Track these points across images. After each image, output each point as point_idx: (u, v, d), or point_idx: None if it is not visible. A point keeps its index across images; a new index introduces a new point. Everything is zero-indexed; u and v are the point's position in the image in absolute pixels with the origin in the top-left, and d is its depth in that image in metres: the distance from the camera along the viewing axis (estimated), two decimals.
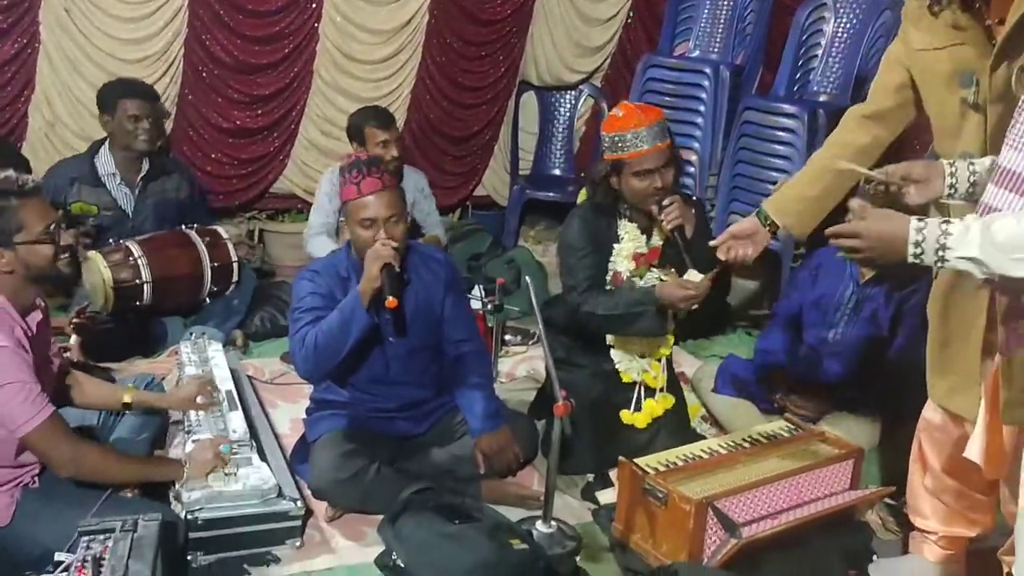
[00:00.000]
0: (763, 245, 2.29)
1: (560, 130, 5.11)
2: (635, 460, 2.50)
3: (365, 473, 2.54)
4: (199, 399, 2.65)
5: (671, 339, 2.94)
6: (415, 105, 4.46)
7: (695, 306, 2.66)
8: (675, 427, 2.93)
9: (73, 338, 2.63)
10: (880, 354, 3.11)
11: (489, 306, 3.42)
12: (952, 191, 1.77)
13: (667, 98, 4.45)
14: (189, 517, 2.28)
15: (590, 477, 2.86)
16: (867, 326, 3.17)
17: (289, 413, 3.20)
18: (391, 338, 2.65)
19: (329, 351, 2.51)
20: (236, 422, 2.61)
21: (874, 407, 3.16)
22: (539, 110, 5.07)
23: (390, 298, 2.43)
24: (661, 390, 2.91)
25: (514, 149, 5.01)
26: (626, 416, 2.88)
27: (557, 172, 5.13)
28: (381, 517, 2.48)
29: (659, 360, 2.89)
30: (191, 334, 3.39)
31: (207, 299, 3.71)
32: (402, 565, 2.27)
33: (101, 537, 1.93)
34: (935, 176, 1.81)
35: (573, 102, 5.08)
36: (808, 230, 2.29)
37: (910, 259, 1.59)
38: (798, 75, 4.37)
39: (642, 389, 2.90)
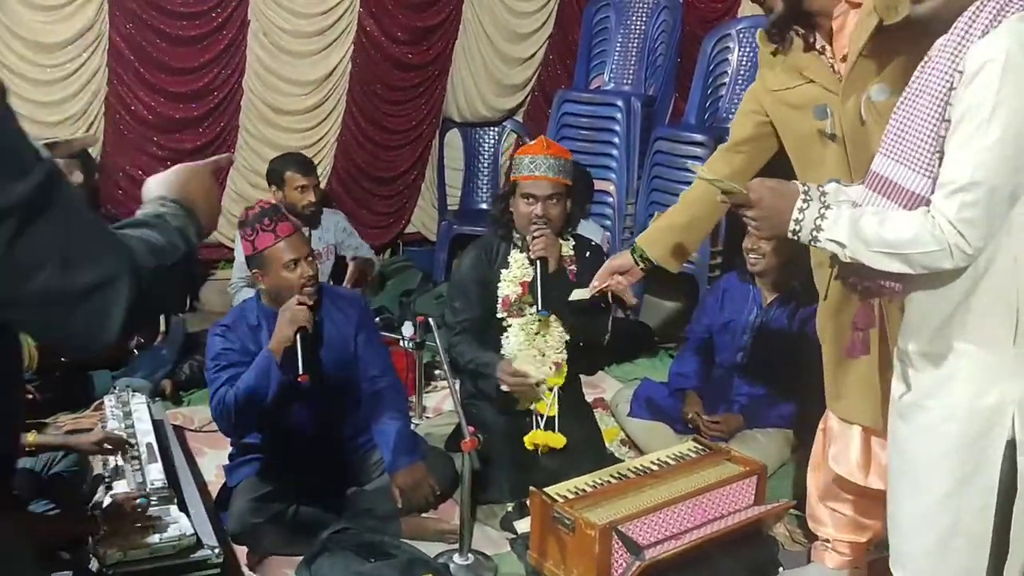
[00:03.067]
0: (637, 278, 2.43)
1: (485, 165, 5.24)
2: (545, 489, 2.59)
3: (283, 515, 2.60)
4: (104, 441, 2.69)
5: (564, 370, 3.01)
6: (341, 151, 4.56)
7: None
8: (590, 452, 3.03)
9: None
10: (786, 372, 3.24)
11: (411, 344, 3.50)
12: (797, 224, 1.74)
13: (583, 131, 4.60)
14: (108, 573, 2.32)
15: (510, 507, 2.95)
16: (772, 347, 3.31)
17: (216, 460, 3.24)
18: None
19: (247, 410, 2.58)
20: (155, 474, 2.65)
21: (784, 423, 3.29)
22: (463, 146, 5.19)
23: (303, 374, 2.50)
24: (552, 418, 3.00)
25: (440, 186, 5.13)
26: (528, 442, 2.98)
27: (484, 206, 5.23)
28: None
29: (551, 389, 2.99)
30: (115, 388, 3.42)
31: (135, 351, 3.75)
32: None
33: None
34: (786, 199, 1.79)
35: (497, 137, 5.21)
36: (676, 262, 2.41)
37: (789, 235, 1.75)
38: (707, 103, 4.54)
39: (537, 417, 3.00)
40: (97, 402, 3.49)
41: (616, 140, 4.54)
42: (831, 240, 1.68)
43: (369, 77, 4.49)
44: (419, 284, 4.70)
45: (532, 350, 2.93)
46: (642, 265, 2.38)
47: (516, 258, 2.95)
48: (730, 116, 4.55)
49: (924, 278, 1.64)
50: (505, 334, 2.95)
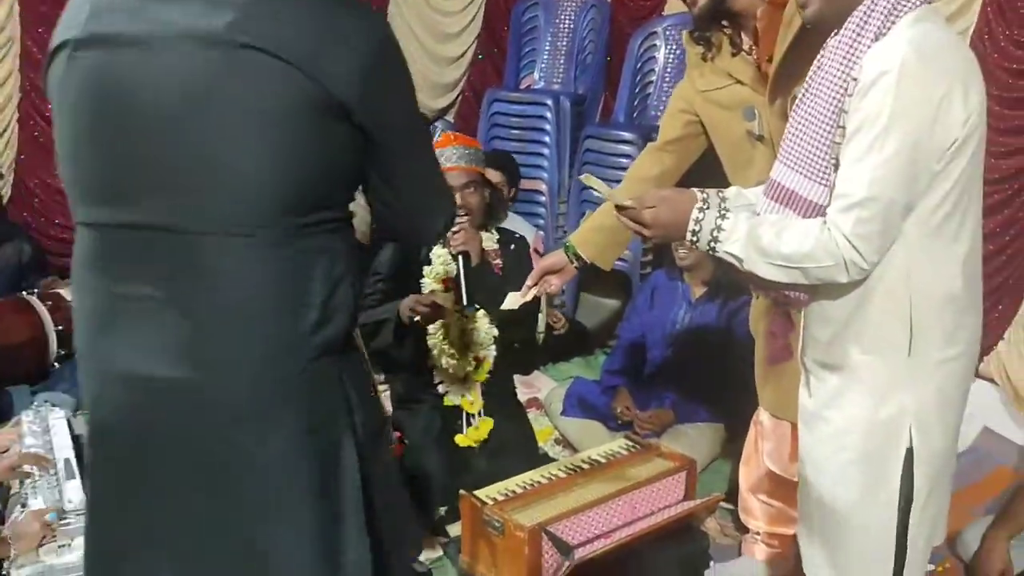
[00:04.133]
0: (569, 277, 2.42)
1: None
2: (475, 492, 2.57)
3: None
4: (24, 467, 2.61)
5: (487, 365, 2.99)
6: None
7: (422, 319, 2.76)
8: (523, 452, 3.02)
9: None
10: (716, 367, 3.28)
11: None
12: (695, 235, 1.70)
13: (513, 131, 4.59)
14: None
15: (443, 511, 2.92)
16: (702, 342, 3.34)
17: None
18: None
19: None
20: (72, 491, 2.57)
21: (716, 418, 3.32)
22: None
23: None
24: (479, 414, 2.99)
25: None
26: (460, 440, 2.95)
27: None
28: None
29: (476, 383, 2.97)
30: (33, 403, 3.32)
31: (55, 364, 3.64)
32: None
33: None
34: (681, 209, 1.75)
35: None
36: (609, 259, 2.41)
37: (687, 243, 1.73)
38: (636, 101, 4.56)
39: (467, 417, 2.98)
40: (15, 419, 3.39)
41: (547, 139, 4.54)
42: (728, 253, 1.65)
43: None
44: None
45: (455, 347, 2.90)
46: (576, 263, 2.37)
47: (438, 254, 2.92)
48: (659, 113, 4.56)
49: (819, 288, 1.63)
50: (429, 331, 2.90)
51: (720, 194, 1.78)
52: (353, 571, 1.42)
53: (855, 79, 1.52)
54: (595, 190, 1.83)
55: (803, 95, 1.64)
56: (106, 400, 1.41)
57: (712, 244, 1.67)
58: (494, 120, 4.63)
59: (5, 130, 3.83)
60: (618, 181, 4.14)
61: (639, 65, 4.54)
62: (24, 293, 3.62)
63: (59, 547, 2.35)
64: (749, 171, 2.18)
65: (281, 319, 1.34)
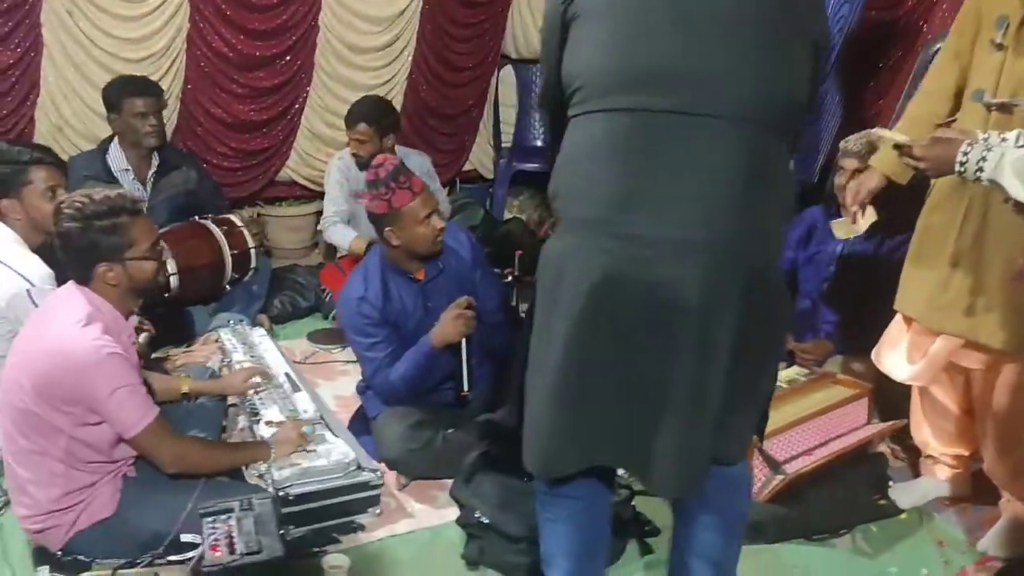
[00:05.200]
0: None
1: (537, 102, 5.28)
2: None
3: (433, 442, 2.72)
4: (255, 380, 2.80)
5: None
6: (411, 89, 4.57)
7: None
8: None
9: (143, 336, 2.75)
10: (873, 301, 3.39)
11: (509, 278, 3.60)
12: (962, 168, 1.95)
13: None
14: (280, 494, 2.43)
15: None
16: (858, 276, 3.45)
17: (331, 390, 3.36)
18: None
19: (410, 392, 2.77)
20: (303, 402, 2.76)
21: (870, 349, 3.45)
22: (516, 83, 5.22)
23: (466, 391, 2.72)
24: None
25: (496, 123, 5.17)
26: None
27: (538, 143, 5.30)
28: (447, 481, 2.70)
29: None
30: (230, 321, 3.49)
31: (228, 286, 3.81)
32: (487, 521, 2.47)
33: (223, 517, 2.08)
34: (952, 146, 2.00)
35: None
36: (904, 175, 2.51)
37: (957, 174, 1.98)
38: None
39: None
40: (204, 336, 3.57)
41: None
42: (991, 180, 1.88)
43: (438, 14, 4.49)
44: (481, 221, 4.78)
45: None
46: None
47: None
48: None
49: None
50: None
51: (984, 136, 1.98)
52: None
53: None
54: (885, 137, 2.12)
55: None
56: (620, 258, 1.63)
57: (978, 173, 1.91)
58: None
59: (174, 61, 3.94)
60: None
61: None
62: (198, 218, 3.75)
63: (308, 452, 2.53)
64: (975, 77, 2.33)
65: (766, 194, 1.67)
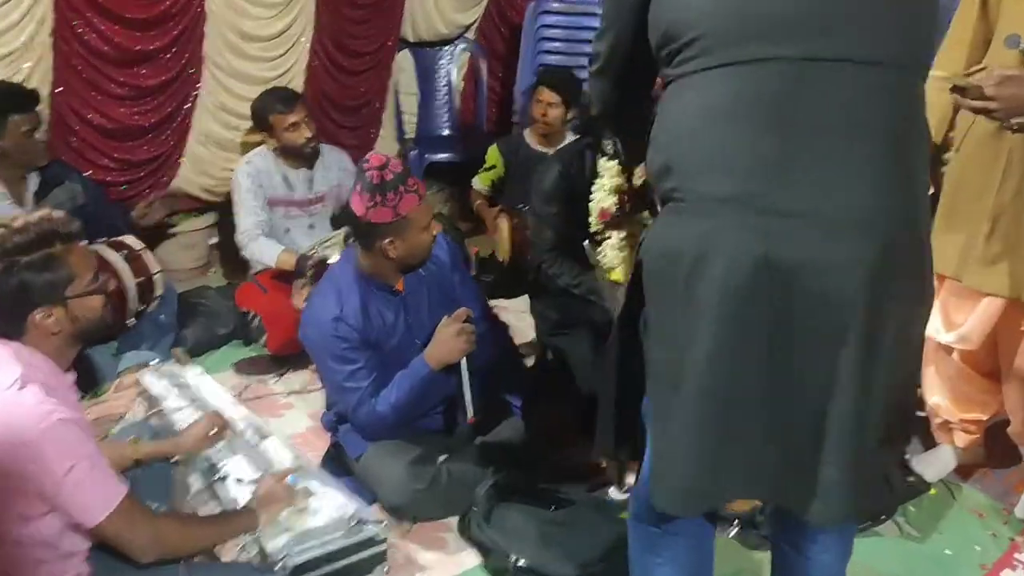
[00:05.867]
0: None
1: (440, 88, 4.91)
2: None
3: (438, 478, 2.36)
4: (218, 432, 2.33)
5: None
6: (310, 80, 4.08)
7: None
8: None
9: None
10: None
11: None
12: None
13: (562, 43, 4.39)
14: (277, 568, 2.01)
15: None
16: None
17: (277, 428, 2.87)
18: (418, 340, 2.46)
19: (403, 421, 2.39)
20: (277, 450, 2.32)
21: None
22: (416, 69, 4.83)
23: (472, 416, 2.35)
24: None
25: (398, 113, 4.76)
26: None
27: (445, 132, 4.94)
28: (451, 520, 2.38)
29: None
30: (149, 362, 2.96)
31: (131, 320, 3.25)
32: (525, 565, 2.13)
33: None
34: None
35: (450, 58, 4.88)
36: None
37: None
38: None
39: None
40: (115, 382, 3.02)
41: None
42: None
43: None
44: None
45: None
46: None
47: (607, 166, 2.76)
48: None
49: None
50: (601, 248, 2.75)
51: None
52: None
53: None
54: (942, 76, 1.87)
55: None
56: (774, 238, 1.34)
57: None
58: (541, 33, 4.40)
59: (39, 60, 3.28)
60: None
61: None
62: (89, 244, 3.15)
63: (299, 511, 2.11)
64: (1007, 24, 2.16)
65: (917, 149, 1.43)
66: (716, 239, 1.37)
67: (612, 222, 2.74)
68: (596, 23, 4.34)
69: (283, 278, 3.39)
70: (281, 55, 3.92)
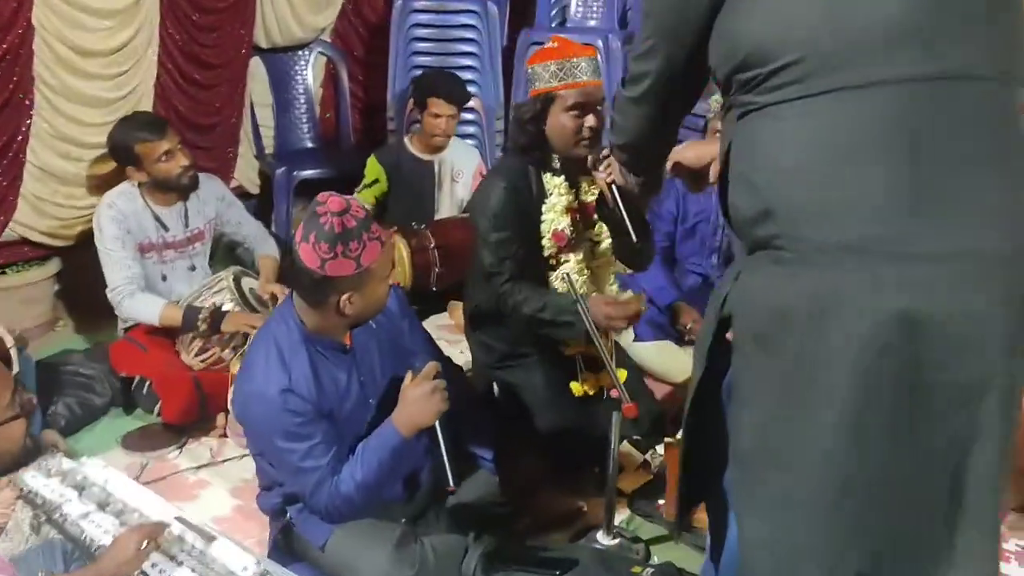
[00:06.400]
0: None
1: (298, 97, 4.49)
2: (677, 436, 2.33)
3: (426, 558, 2.05)
4: (151, 543, 1.92)
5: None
6: (161, 98, 3.56)
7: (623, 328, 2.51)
8: (639, 385, 2.77)
9: None
10: None
11: None
12: None
13: (434, 43, 4.10)
14: None
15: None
16: None
17: (198, 514, 2.47)
18: (372, 399, 2.16)
19: (376, 498, 2.08)
20: (232, 554, 1.94)
21: None
22: (270, 77, 4.38)
23: (452, 486, 2.04)
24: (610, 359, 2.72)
25: (255, 127, 4.31)
26: (577, 388, 2.65)
27: (309, 145, 4.52)
28: None
29: None
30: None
31: None
32: None
33: None
34: None
35: (305, 64, 4.47)
36: None
37: None
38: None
39: (581, 360, 2.69)
40: None
41: (475, 50, 4.11)
42: None
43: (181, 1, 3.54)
44: None
45: (592, 287, 2.58)
46: None
47: (555, 183, 2.53)
48: (589, 16, 4.27)
49: None
50: (556, 273, 2.54)
51: None
52: None
53: None
54: None
55: None
56: (912, 289, 1.16)
57: None
58: (413, 34, 4.09)
59: None
60: None
61: None
62: None
63: None
64: None
65: None
66: (839, 294, 1.18)
67: (568, 245, 2.53)
68: (470, 20, 4.16)
69: (162, 331, 2.95)
70: (125, 72, 3.40)
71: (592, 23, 4.18)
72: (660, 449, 2.71)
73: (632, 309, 2.41)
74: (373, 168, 3.81)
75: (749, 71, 1.24)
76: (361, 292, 1.97)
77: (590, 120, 2.41)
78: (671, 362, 3.13)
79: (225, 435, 2.86)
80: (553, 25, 4.19)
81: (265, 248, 3.30)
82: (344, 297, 1.95)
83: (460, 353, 3.39)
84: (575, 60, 2.38)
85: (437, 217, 3.85)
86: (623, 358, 2.77)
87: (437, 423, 2.03)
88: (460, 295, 3.71)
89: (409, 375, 2.07)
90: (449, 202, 3.90)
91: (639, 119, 1.48)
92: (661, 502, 2.50)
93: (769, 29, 1.21)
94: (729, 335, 1.35)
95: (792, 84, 1.20)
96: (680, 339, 3.24)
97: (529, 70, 2.45)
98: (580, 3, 4.22)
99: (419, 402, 2.02)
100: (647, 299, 3.25)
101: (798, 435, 1.23)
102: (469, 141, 4.15)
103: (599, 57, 2.50)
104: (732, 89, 1.29)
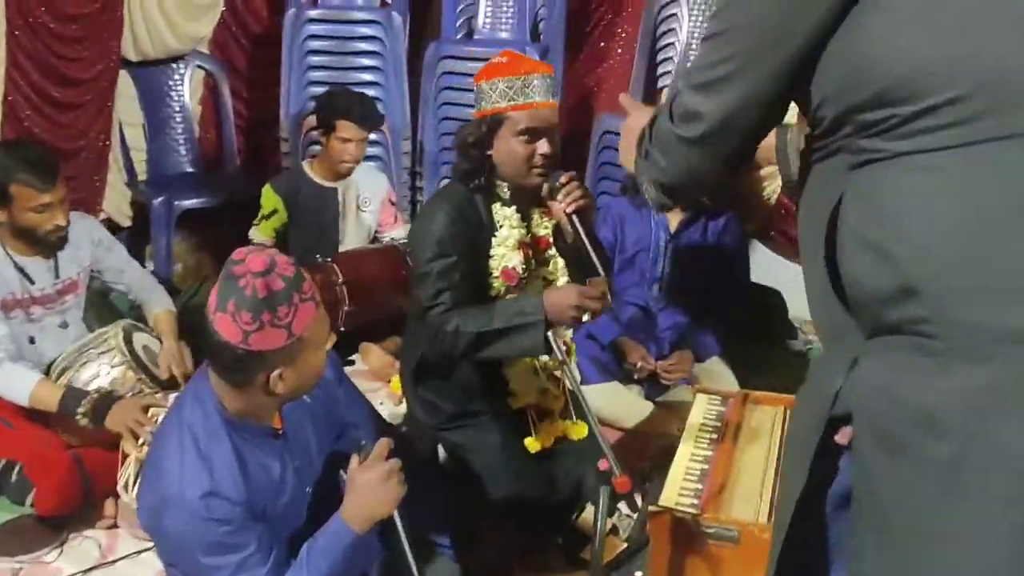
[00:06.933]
0: None
1: (173, 115, 3.99)
2: (661, 503, 2.06)
3: None
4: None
5: (573, 348, 2.49)
6: (11, 119, 3.03)
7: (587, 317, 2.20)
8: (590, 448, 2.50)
9: None
10: (715, 293, 3.04)
11: None
12: None
13: (333, 56, 3.71)
14: None
15: None
16: (691, 270, 3.06)
17: None
18: (309, 487, 1.79)
19: None
20: None
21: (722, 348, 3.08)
22: (140, 94, 3.87)
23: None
24: (564, 411, 2.45)
25: (125, 151, 3.79)
26: (531, 444, 2.36)
27: (188, 170, 4.03)
28: None
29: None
30: None
31: None
32: None
33: None
34: None
35: (180, 78, 3.98)
36: None
37: None
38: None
39: (531, 415, 2.41)
40: None
41: (380, 64, 3.74)
42: None
43: (32, 4, 3.01)
44: None
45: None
46: None
47: (505, 213, 2.22)
48: (501, 27, 3.98)
49: None
50: None
51: None
52: None
53: None
54: None
55: None
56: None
57: None
58: (308, 46, 3.68)
59: None
60: None
61: None
62: None
63: None
64: None
65: None
66: (1010, 395, 0.93)
67: (518, 284, 2.22)
68: (372, 31, 3.80)
69: None
70: None
71: (504, 35, 3.87)
72: (625, 509, 2.45)
73: (600, 289, 2.08)
74: (269, 198, 3.38)
75: (883, 109, 0.96)
76: (294, 366, 1.59)
77: (543, 147, 2.11)
78: (621, 406, 2.89)
79: (116, 525, 2.39)
80: (458, 36, 3.87)
81: (157, 301, 2.77)
82: (274, 374, 1.57)
83: (380, 404, 3.04)
84: (527, 77, 2.08)
85: (342, 248, 3.46)
86: (579, 407, 2.48)
87: (395, 512, 1.68)
88: (373, 336, 3.39)
89: (355, 458, 1.71)
90: (355, 232, 3.51)
91: (693, 163, 1.17)
92: (639, 574, 2.23)
93: (921, 58, 0.94)
94: (839, 437, 1.08)
95: (944, 128, 0.94)
96: (628, 378, 2.99)
97: (480, 87, 2.13)
98: (488, 13, 3.91)
99: (373, 490, 1.66)
100: (586, 335, 3.03)
101: (948, 566, 0.97)
102: (372, 164, 3.77)
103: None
104: (845, 130, 1.01)
